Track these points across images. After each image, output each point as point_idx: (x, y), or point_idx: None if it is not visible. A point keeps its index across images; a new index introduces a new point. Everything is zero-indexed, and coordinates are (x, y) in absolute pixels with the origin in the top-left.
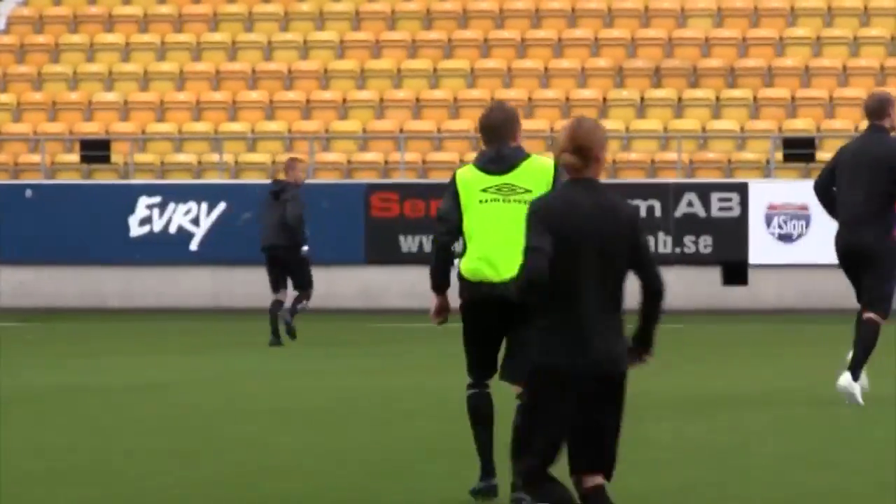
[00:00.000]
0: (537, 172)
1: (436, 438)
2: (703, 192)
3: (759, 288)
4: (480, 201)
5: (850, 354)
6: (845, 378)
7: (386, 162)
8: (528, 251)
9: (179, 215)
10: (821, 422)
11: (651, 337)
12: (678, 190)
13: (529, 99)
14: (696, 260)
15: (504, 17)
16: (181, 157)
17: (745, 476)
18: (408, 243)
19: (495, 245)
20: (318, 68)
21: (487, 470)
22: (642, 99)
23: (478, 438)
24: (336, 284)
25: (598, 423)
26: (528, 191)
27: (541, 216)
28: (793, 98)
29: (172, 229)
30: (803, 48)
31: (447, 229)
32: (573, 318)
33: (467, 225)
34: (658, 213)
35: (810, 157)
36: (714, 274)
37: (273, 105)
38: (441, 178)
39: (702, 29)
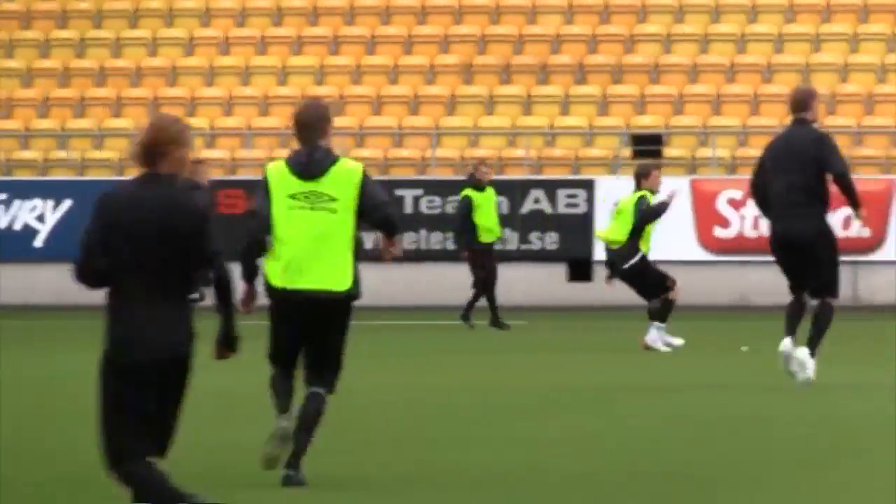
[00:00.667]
0: (344, 178)
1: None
2: (550, 188)
3: (604, 285)
4: (289, 207)
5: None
6: (797, 350)
7: (233, 159)
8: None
9: (25, 212)
10: (659, 416)
11: (231, 330)
12: (525, 187)
13: (378, 96)
14: (542, 256)
15: (355, 13)
16: (27, 154)
17: (648, 472)
18: None
19: (301, 252)
20: (167, 65)
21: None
22: (492, 96)
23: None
24: None
25: (162, 409)
26: (333, 199)
27: (99, 207)
28: (641, 95)
29: (17, 226)
30: (653, 45)
31: (260, 226)
32: (128, 308)
33: (275, 227)
34: (505, 209)
35: (657, 154)
36: (560, 270)
37: (121, 102)
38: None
39: (552, 26)
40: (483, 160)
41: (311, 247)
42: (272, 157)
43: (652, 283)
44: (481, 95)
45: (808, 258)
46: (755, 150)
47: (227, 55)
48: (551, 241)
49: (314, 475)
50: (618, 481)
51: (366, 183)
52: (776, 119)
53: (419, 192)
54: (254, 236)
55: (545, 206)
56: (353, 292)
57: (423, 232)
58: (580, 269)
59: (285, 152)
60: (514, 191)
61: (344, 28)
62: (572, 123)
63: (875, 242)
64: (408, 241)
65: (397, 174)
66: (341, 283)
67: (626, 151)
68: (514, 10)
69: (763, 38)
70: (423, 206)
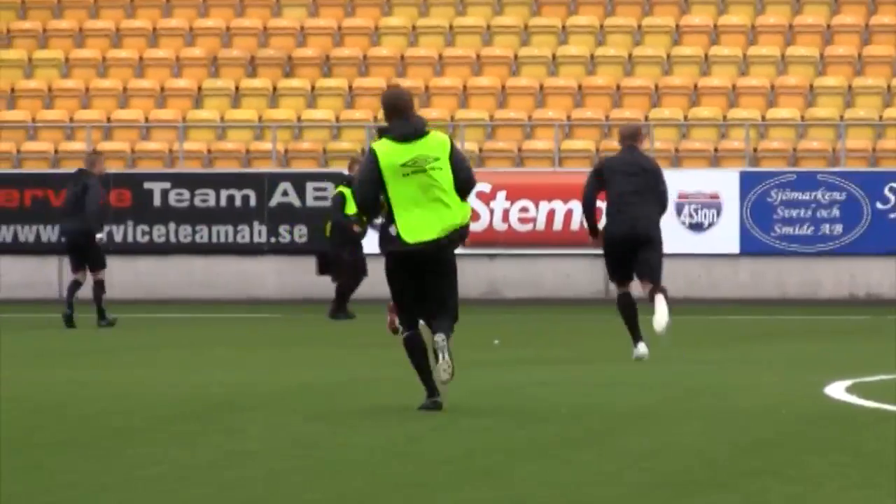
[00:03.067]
0: None
1: None
2: (299, 181)
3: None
4: None
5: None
6: (641, 347)
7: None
8: None
9: None
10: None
11: None
12: (273, 180)
13: (124, 89)
14: (291, 250)
15: (98, 6)
16: None
17: (335, 466)
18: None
19: None
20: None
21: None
22: (237, 88)
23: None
24: None
25: None
26: None
27: None
28: (388, 87)
29: None
30: (398, 38)
31: None
32: None
33: None
34: (253, 203)
35: None
36: (309, 264)
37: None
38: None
39: (297, 19)
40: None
41: None
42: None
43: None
44: (227, 88)
45: (645, 251)
46: (504, 143)
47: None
48: (300, 234)
49: None
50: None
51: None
52: (524, 111)
53: (167, 185)
54: None
55: (293, 200)
56: None
57: (171, 225)
58: (328, 263)
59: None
60: (262, 184)
61: (88, 21)
62: (320, 116)
63: None
64: (157, 234)
65: (144, 167)
66: None
67: None
68: (258, 3)
69: (510, 31)
70: (172, 200)
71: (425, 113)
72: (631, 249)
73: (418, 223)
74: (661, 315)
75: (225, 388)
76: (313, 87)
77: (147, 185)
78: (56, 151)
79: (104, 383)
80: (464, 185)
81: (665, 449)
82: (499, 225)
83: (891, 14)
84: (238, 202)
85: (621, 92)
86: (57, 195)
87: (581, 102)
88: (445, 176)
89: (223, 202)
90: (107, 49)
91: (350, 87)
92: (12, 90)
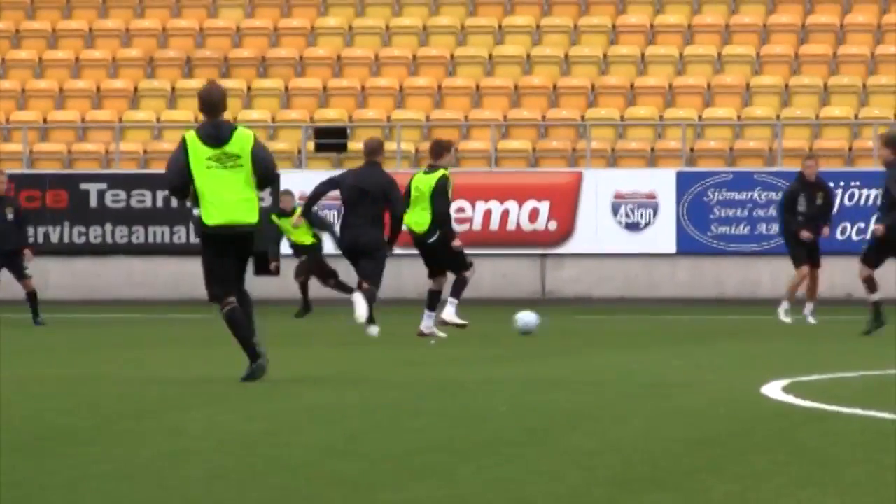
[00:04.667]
0: None
1: None
2: None
3: (292, 278)
4: None
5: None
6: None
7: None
8: None
9: None
10: (353, 409)
11: None
12: None
13: (61, 90)
14: None
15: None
16: None
17: (276, 465)
18: None
19: None
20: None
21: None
22: (174, 89)
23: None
24: None
25: None
26: None
27: None
28: (325, 87)
29: None
30: (334, 38)
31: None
32: None
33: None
34: (189, 203)
35: (342, 147)
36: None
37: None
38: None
39: (233, 19)
40: None
41: None
42: None
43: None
44: (163, 89)
45: (366, 258)
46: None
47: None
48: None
49: None
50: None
51: None
52: (461, 111)
53: (103, 185)
54: None
55: None
56: None
57: (108, 226)
58: (263, 263)
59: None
60: None
61: (25, 22)
62: (255, 117)
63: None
64: (92, 235)
65: (82, 168)
66: None
67: (310, 145)
68: (194, 4)
69: (447, 31)
70: (109, 201)
71: (360, 114)
72: (355, 258)
73: (219, 210)
74: (360, 309)
75: (165, 386)
76: (249, 88)
77: (84, 186)
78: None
79: (43, 382)
80: (263, 179)
81: (606, 448)
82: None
83: (828, 13)
84: (174, 203)
85: (558, 91)
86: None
87: (517, 102)
88: (245, 173)
89: (160, 203)
90: (43, 50)
91: (286, 88)
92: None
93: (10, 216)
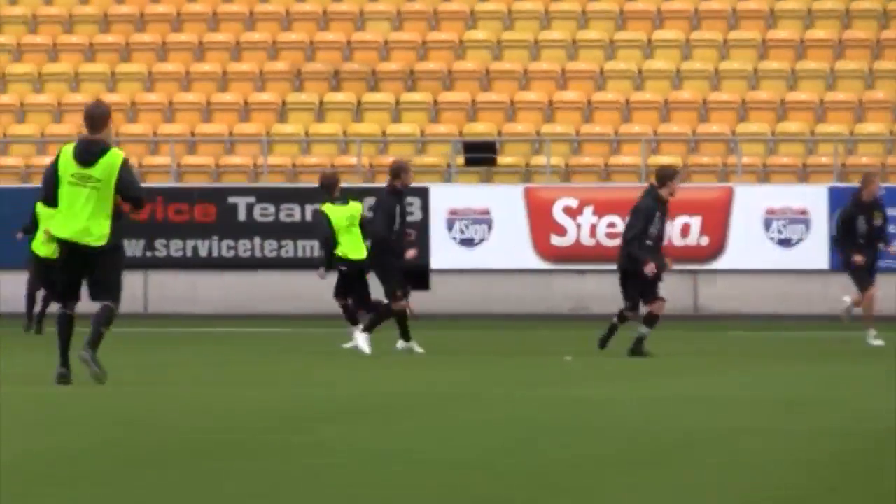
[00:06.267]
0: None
1: None
2: None
3: (440, 293)
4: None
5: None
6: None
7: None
8: None
9: None
10: (480, 425)
11: None
12: (359, 194)
13: (208, 103)
14: None
15: (182, 20)
16: None
17: (414, 482)
18: None
19: None
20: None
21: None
22: (321, 102)
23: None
24: None
25: None
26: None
27: None
28: (473, 101)
29: None
30: (482, 52)
31: None
32: None
33: None
34: None
35: (491, 161)
36: None
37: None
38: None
39: (381, 32)
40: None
41: None
42: None
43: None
44: (311, 102)
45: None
46: (590, 158)
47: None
48: None
49: None
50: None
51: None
52: (610, 126)
53: (252, 199)
54: None
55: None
56: None
57: (256, 240)
58: (416, 277)
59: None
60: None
61: (171, 35)
62: (404, 131)
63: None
64: (241, 249)
65: (229, 181)
66: None
67: (460, 159)
68: (342, 17)
69: (595, 45)
70: (257, 214)
71: (509, 128)
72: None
73: (67, 223)
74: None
75: (307, 401)
76: (398, 101)
77: (232, 200)
78: (140, 165)
79: (184, 397)
80: (132, 203)
81: (738, 465)
82: (586, 240)
83: None
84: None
85: (707, 106)
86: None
87: (667, 117)
88: (103, 195)
89: (308, 217)
90: (190, 63)
91: (435, 102)
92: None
93: None
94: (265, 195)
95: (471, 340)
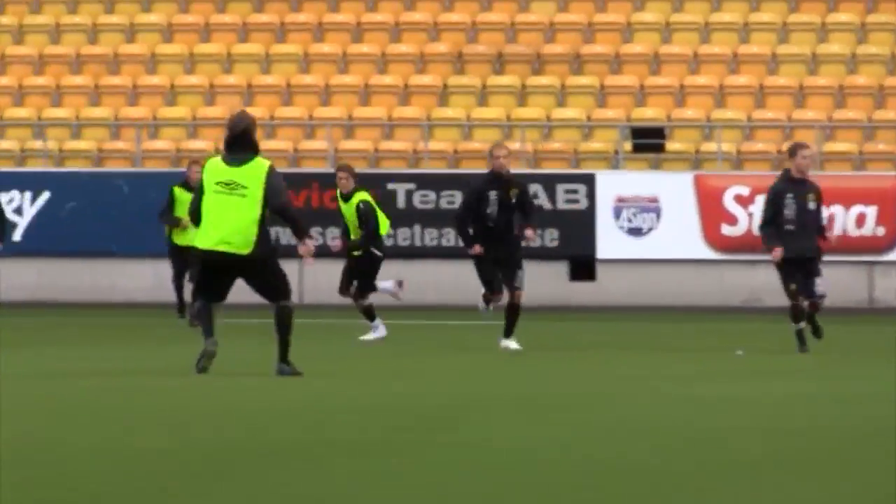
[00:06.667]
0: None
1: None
2: (549, 183)
3: (607, 284)
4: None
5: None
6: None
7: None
8: None
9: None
10: (665, 423)
11: None
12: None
13: (366, 86)
14: (542, 254)
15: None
16: (2, 144)
17: (566, 481)
18: None
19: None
20: (145, 52)
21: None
22: (484, 86)
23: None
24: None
25: None
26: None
27: None
28: (641, 86)
29: None
30: (651, 34)
31: None
32: None
33: None
34: None
35: (660, 148)
36: (561, 269)
37: (98, 90)
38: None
39: (545, 13)
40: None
41: None
42: None
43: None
44: (473, 86)
45: None
46: (763, 144)
47: (207, 41)
48: (551, 238)
49: None
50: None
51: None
52: (783, 112)
53: (411, 185)
54: None
55: (544, 202)
56: None
57: (416, 228)
58: (581, 268)
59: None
60: None
61: (328, 15)
62: (569, 115)
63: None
64: (401, 237)
65: (388, 167)
66: None
67: (627, 145)
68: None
69: (766, 28)
70: (417, 201)
71: (678, 113)
72: None
73: (211, 233)
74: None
75: (452, 398)
76: (563, 85)
77: (391, 186)
78: (295, 150)
79: (322, 393)
80: (276, 210)
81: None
82: (758, 230)
83: None
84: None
85: (884, 92)
86: (296, 195)
87: (842, 103)
88: (250, 203)
89: None
90: (347, 44)
91: (601, 86)
92: (249, 86)
93: None
94: (425, 181)
95: (637, 333)
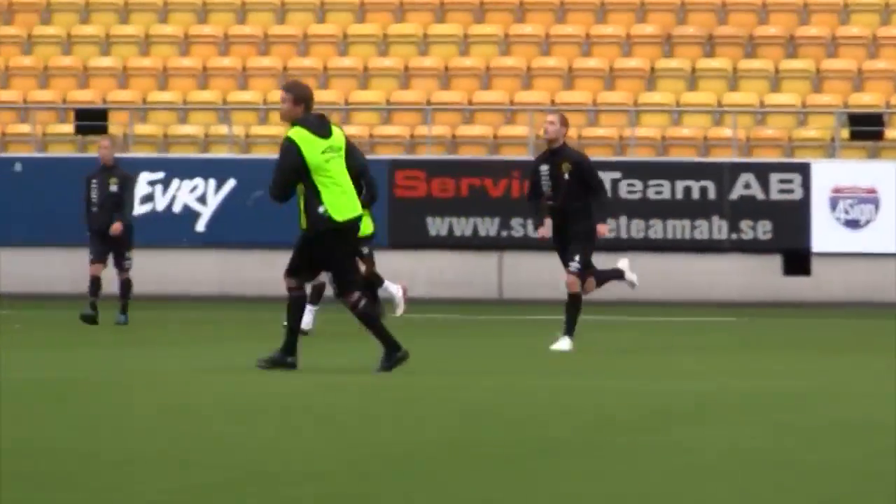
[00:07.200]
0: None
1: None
2: (762, 172)
3: (823, 278)
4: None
5: None
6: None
7: (411, 136)
8: None
9: (185, 193)
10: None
11: None
12: (734, 170)
13: (570, 68)
14: (755, 247)
15: None
16: (186, 129)
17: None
18: (436, 226)
19: None
20: (336, 33)
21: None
22: (693, 69)
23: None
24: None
25: None
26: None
27: None
28: (859, 70)
29: (177, 208)
30: (869, 15)
31: None
32: None
33: None
34: (712, 195)
35: (878, 135)
36: (774, 262)
37: (286, 72)
38: (470, 153)
39: None
40: None
41: None
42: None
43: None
44: (682, 69)
45: None
46: None
47: (401, 22)
48: (764, 230)
49: None
50: None
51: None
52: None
53: (617, 175)
54: None
55: (756, 192)
56: None
57: (622, 219)
58: (796, 261)
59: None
60: (721, 174)
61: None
62: (783, 101)
63: None
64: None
65: (592, 154)
66: None
67: (844, 132)
68: None
69: None
70: (623, 191)
71: (854, 98)
72: None
73: (347, 202)
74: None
75: (680, 397)
76: (776, 69)
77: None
78: (495, 137)
79: (544, 389)
80: (361, 171)
81: None
82: None
83: None
84: (695, 194)
85: None
86: (496, 184)
87: None
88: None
89: (679, 194)
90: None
91: (817, 70)
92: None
93: (113, 188)
94: (632, 170)
95: (855, 331)
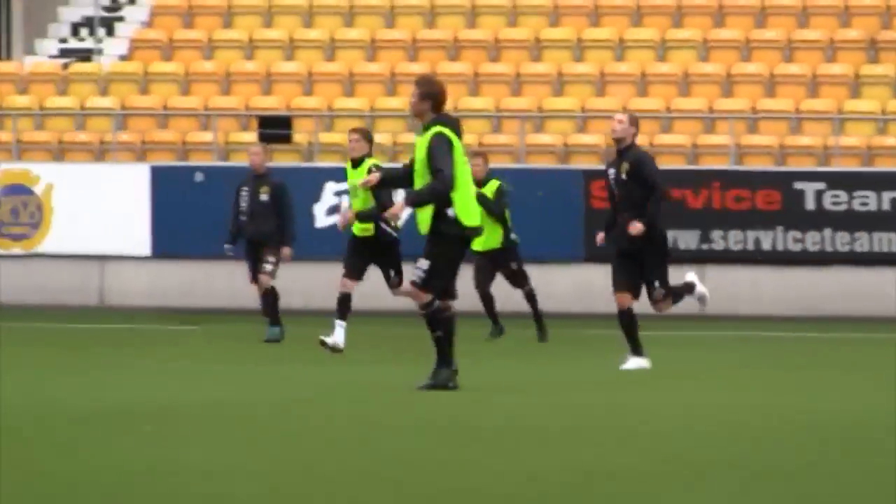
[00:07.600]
0: None
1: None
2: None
3: None
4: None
5: None
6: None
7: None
8: None
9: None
10: None
11: None
12: None
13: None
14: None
15: None
16: (374, 137)
17: None
18: None
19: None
20: (530, 37)
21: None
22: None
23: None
24: (550, 284)
25: None
26: None
27: None
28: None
29: None
30: None
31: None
32: None
33: None
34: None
35: None
36: None
37: (478, 79)
38: (667, 163)
39: None
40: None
41: None
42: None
43: None
44: (887, 76)
45: None
46: None
47: (596, 26)
48: None
49: None
50: None
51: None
52: None
53: (821, 185)
54: None
55: (872, 205)
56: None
57: (826, 231)
58: None
59: None
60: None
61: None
62: None
63: None
64: (809, 241)
65: (795, 164)
66: None
67: None
68: None
69: None
70: (827, 202)
71: None
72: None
73: (474, 208)
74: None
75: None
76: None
77: (798, 185)
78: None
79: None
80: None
81: None
82: None
83: None
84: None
85: None
86: (696, 195)
87: None
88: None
89: (885, 206)
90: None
91: None
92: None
93: (264, 197)
94: (836, 180)
95: None
